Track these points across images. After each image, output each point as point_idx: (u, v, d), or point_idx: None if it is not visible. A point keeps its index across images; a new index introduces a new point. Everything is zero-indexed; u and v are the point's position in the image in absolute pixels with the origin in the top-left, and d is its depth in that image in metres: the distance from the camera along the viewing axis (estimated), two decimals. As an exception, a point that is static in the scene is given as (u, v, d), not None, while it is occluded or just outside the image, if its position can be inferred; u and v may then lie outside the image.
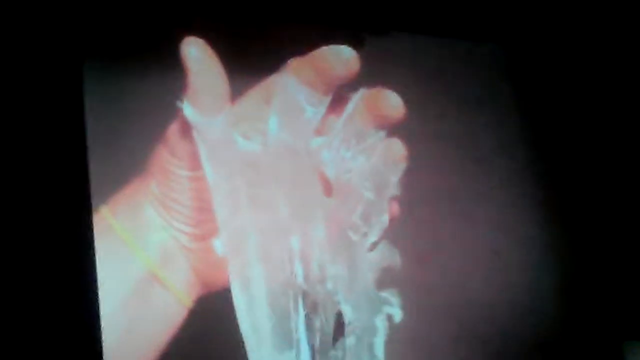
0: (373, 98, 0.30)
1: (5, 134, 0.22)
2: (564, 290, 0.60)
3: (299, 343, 0.28)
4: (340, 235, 0.30)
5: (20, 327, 0.22)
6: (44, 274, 0.22)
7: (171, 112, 0.29)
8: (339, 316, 0.30)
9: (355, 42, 0.28)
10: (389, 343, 0.30)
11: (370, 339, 0.30)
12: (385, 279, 0.31)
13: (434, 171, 0.57)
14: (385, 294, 0.31)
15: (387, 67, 0.51)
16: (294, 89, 0.29)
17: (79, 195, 0.23)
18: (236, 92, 0.30)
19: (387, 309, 0.31)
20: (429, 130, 0.57)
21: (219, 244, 0.28)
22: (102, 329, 0.24)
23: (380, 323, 0.30)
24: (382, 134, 0.30)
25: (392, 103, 0.29)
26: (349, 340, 0.30)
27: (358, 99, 0.30)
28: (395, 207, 0.32)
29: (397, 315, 0.31)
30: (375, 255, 0.31)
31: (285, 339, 0.28)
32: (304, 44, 0.29)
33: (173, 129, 0.29)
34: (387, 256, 0.31)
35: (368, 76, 0.29)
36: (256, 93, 0.30)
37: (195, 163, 0.29)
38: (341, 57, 0.28)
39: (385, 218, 0.31)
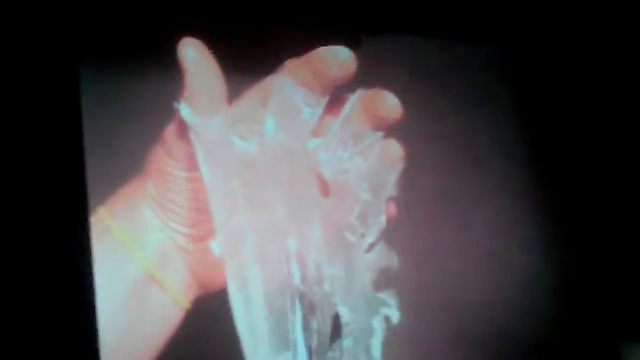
0: (370, 99, 0.30)
1: (1, 135, 0.22)
2: (562, 291, 0.60)
3: (296, 344, 0.28)
4: (337, 236, 0.30)
5: (17, 328, 0.21)
6: (42, 275, 0.22)
7: (168, 113, 0.29)
8: (336, 317, 0.30)
9: (352, 43, 0.28)
10: (387, 344, 0.30)
11: (368, 340, 0.30)
12: (383, 280, 0.31)
13: (431, 172, 0.56)
14: (382, 295, 0.31)
15: (384, 68, 0.51)
16: (291, 90, 0.29)
17: (76, 196, 0.23)
18: (233, 93, 0.30)
19: (385, 310, 0.31)
20: (426, 131, 0.57)
21: (215, 245, 0.28)
22: (99, 329, 0.24)
23: (378, 324, 0.30)
24: (379, 134, 0.30)
25: (389, 104, 0.29)
26: (346, 342, 0.30)
27: (355, 99, 0.30)
28: (393, 208, 0.32)
29: (395, 316, 0.31)
30: (373, 256, 0.31)
31: (282, 340, 0.28)
32: (301, 45, 0.29)
33: (170, 130, 0.29)
34: (384, 257, 0.31)
35: (365, 77, 0.29)
36: (253, 94, 0.30)
37: (192, 164, 0.29)
38: (338, 58, 0.28)
39: (383, 219, 0.31)
